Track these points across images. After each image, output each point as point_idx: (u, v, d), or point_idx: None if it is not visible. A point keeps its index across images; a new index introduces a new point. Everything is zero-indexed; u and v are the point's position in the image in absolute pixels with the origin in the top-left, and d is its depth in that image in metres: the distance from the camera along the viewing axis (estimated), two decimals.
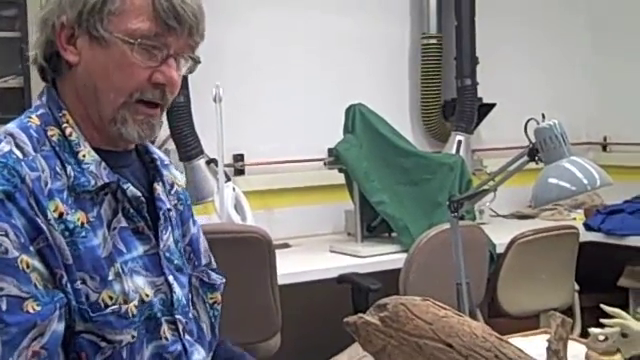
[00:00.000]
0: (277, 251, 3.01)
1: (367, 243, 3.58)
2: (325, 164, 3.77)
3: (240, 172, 3.92)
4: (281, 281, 2.99)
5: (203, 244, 1.51)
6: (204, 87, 3.40)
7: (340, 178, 3.69)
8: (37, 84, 3.27)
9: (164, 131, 3.42)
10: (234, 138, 3.64)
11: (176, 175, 1.47)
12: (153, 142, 1.43)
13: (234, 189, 3.53)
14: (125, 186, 1.28)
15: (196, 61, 1.31)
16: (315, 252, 3.61)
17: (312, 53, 4.11)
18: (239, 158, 3.92)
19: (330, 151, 3.80)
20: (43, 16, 1.27)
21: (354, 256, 3.44)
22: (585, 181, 1.94)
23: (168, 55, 1.25)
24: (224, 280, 1.49)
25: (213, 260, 1.53)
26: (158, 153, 1.44)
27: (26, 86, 3.19)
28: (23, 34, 3.17)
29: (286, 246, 3.69)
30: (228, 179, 3.61)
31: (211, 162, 3.64)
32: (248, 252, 2.86)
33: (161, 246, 1.32)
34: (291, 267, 3.20)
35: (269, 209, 3.91)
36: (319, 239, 3.87)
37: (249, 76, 3.90)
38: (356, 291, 3.14)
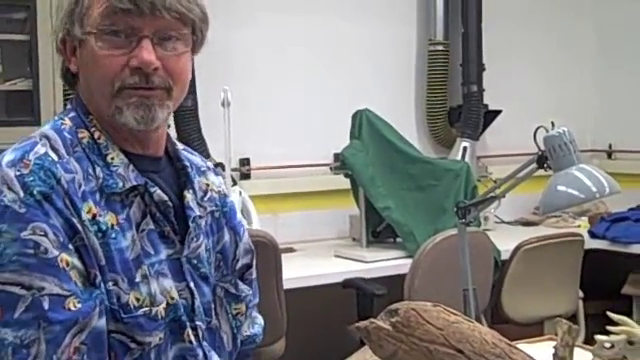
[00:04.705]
0: (282, 255, 3.01)
1: (372, 248, 3.58)
2: (331, 169, 3.78)
3: (246, 176, 3.94)
4: (286, 285, 3.00)
5: (243, 246, 1.49)
6: (211, 91, 3.41)
7: (346, 183, 3.70)
8: (46, 87, 3.27)
9: (171, 134, 3.43)
10: (240, 142, 3.64)
11: (213, 181, 1.47)
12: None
13: (240, 193, 3.53)
14: (152, 189, 1.29)
15: (197, 38, 1.31)
16: (320, 257, 3.62)
17: (319, 58, 4.12)
18: (245, 162, 3.93)
19: (336, 156, 3.81)
20: (52, 34, 1.33)
21: (359, 261, 3.45)
22: (594, 189, 1.95)
23: (140, 38, 1.25)
24: (251, 292, 1.49)
25: (253, 263, 1.52)
26: (194, 160, 1.45)
27: (35, 89, 3.18)
28: (32, 37, 3.17)
29: (291, 250, 3.70)
30: (234, 183, 3.62)
31: (217, 166, 3.64)
32: None
33: (185, 252, 1.33)
34: (296, 271, 3.20)
35: (275, 213, 3.92)
36: (324, 244, 3.87)
37: (256, 80, 3.92)
38: (361, 296, 3.15)
